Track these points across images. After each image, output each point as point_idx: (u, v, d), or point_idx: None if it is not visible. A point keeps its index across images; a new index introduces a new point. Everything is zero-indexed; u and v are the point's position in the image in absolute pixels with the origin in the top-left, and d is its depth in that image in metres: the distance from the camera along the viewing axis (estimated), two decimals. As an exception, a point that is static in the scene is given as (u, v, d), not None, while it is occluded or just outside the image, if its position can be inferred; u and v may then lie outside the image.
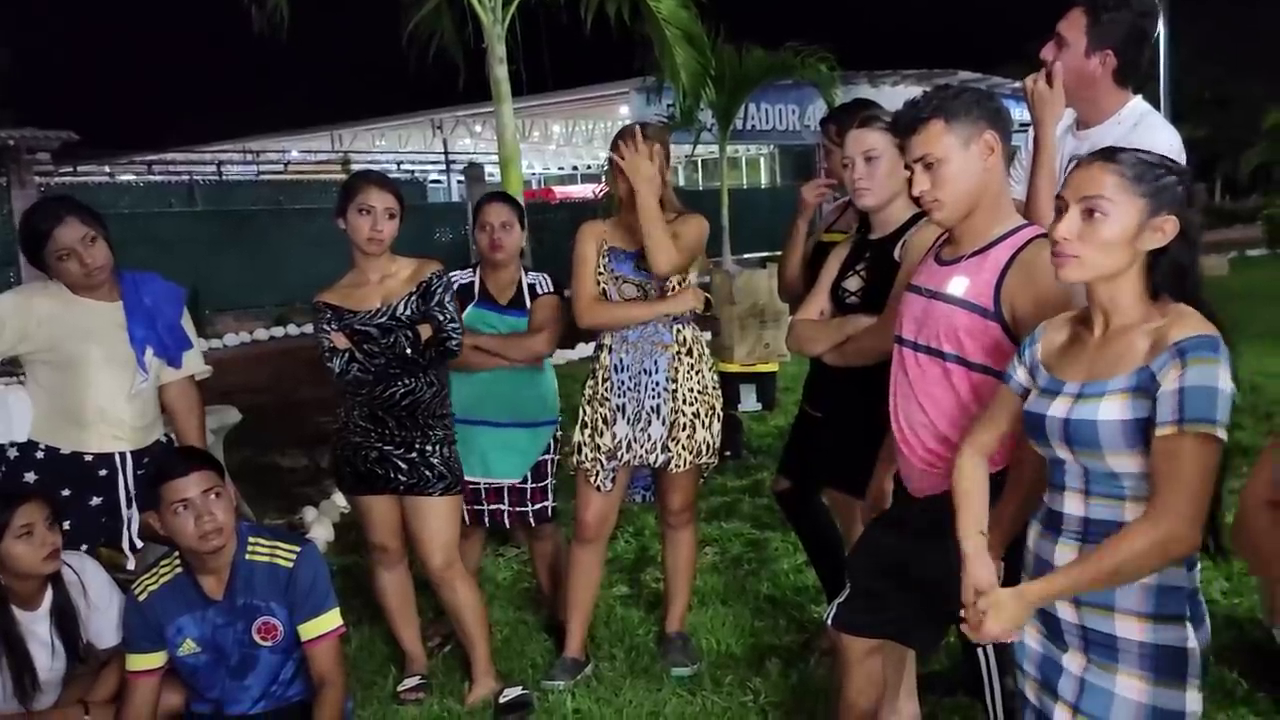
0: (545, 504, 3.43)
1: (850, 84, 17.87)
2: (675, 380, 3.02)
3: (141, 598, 2.56)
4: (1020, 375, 1.82)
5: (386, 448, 2.95)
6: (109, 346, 2.78)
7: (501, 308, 3.35)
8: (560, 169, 31.92)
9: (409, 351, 2.87)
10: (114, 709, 2.60)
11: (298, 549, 2.64)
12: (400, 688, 3.11)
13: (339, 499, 4.99)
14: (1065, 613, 1.70)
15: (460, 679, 3.15)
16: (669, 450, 3.02)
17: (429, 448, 2.97)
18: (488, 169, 18.86)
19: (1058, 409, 1.67)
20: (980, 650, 2.15)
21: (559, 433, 3.44)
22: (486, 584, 3.84)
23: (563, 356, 8.69)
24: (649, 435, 3.02)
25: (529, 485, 3.38)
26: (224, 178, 19.92)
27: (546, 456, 3.41)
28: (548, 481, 3.43)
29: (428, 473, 2.97)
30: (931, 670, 2.84)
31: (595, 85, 20.79)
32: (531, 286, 3.38)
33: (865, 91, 18.15)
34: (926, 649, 2.43)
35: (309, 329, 14.23)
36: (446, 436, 3.04)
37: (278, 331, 15.22)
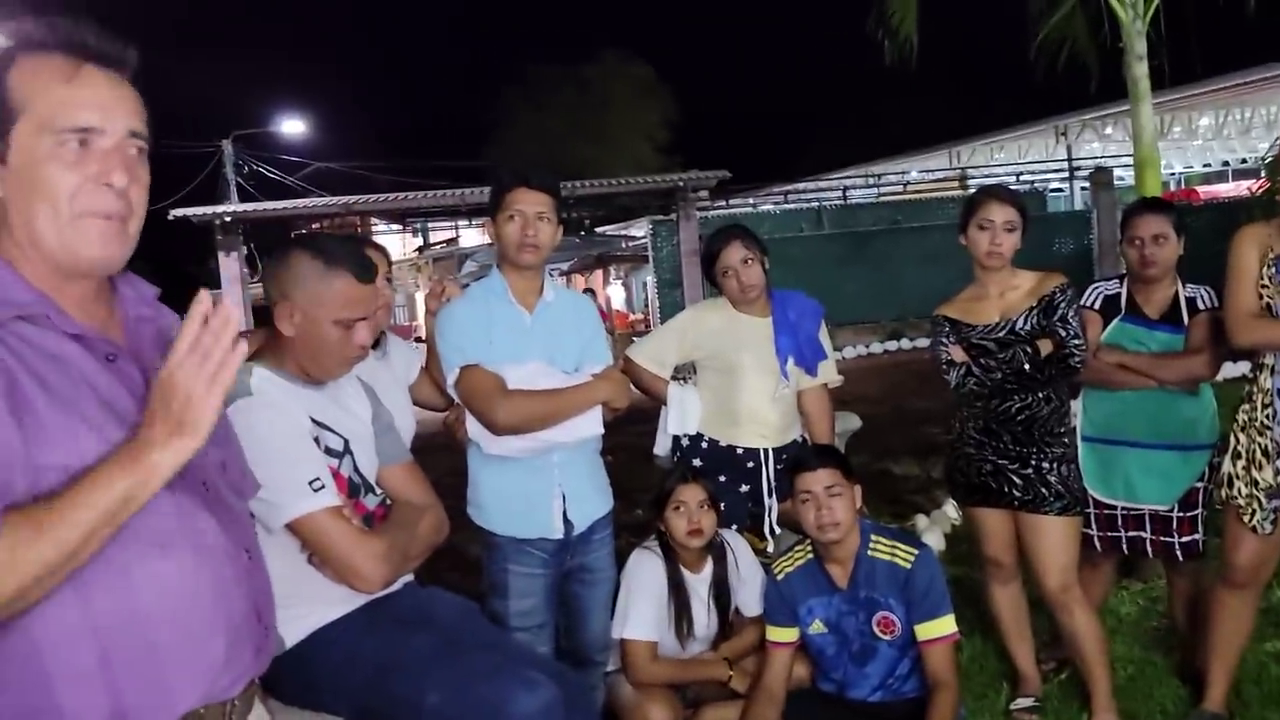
0: (1195, 536, 3.11)
1: None
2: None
3: (779, 577, 2.90)
4: None
5: (1001, 461, 2.95)
6: (759, 355, 3.19)
7: (1152, 323, 3.11)
8: (1206, 165, 28.01)
9: (1027, 367, 2.84)
10: (750, 670, 2.97)
11: (916, 551, 2.77)
12: (1012, 706, 3.07)
13: (950, 509, 5.07)
14: None
15: (1077, 709, 3.01)
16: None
17: (1045, 465, 2.90)
18: (1116, 173, 17.39)
19: None
20: None
21: (1215, 459, 3.06)
22: (1108, 616, 3.60)
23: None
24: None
25: (1176, 514, 3.10)
26: (848, 201, 21.22)
27: (1199, 484, 3.08)
28: (1198, 512, 3.10)
29: (1044, 490, 2.90)
30: None
31: (1255, 68, 17.89)
32: (1191, 300, 3.08)
33: None
34: None
35: (921, 343, 14.73)
36: (1066, 455, 2.94)
37: (891, 345, 15.82)
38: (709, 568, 3.01)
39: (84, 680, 1.23)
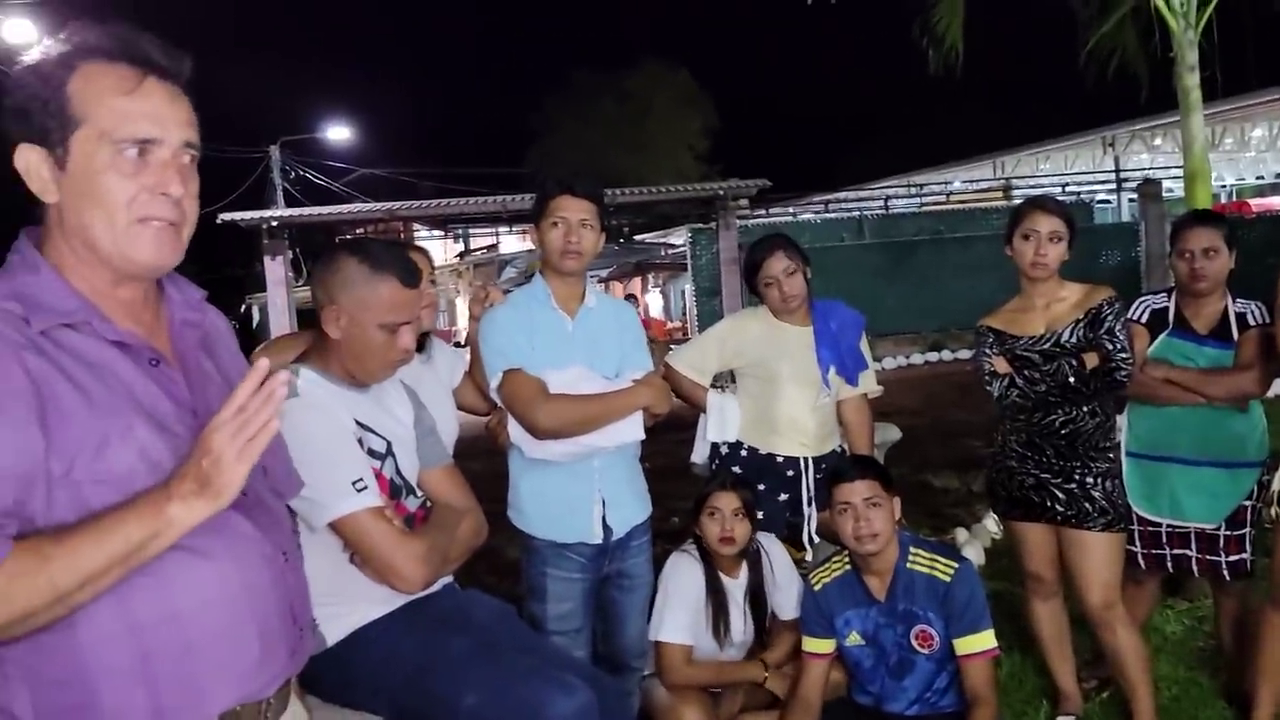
0: (1242, 556, 3.05)
1: None
2: None
3: (816, 588, 2.89)
4: None
5: (1044, 475, 2.91)
6: (799, 365, 3.18)
7: (1200, 338, 3.06)
8: (1259, 178, 27.44)
9: (1071, 380, 2.80)
10: (788, 673, 2.95)
11: (956, 564, 2.74)
12: (1052, 724, 3.03)
13: (990, 523, 5.01)
14: None
15: (1118, 729, 2.97)
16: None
17: (1090, 480, 2.86)
18: (1166, 184, 17.11)
19: None
20: None
21: (1265, 477, 3.01)
22: (1152, 635, 3.54)
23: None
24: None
25: (1223, 533, 3.04)
26: (889, 211, 21.05)
27: (1247, 503, 3.02)
28: (1246, 531, 3.04)
29: (1088, 505, 2.86)
30: None
31: (1313, 76, 17.51)
32: (1241, 315, 3.03)
33: None
34: None
35: (963, 354, 14.58)
36: (1110, 470, 2.90)
37: (932, 356, 15.68)
38: (744, 573, 3.00)
39: (124, 679, 1.25)
